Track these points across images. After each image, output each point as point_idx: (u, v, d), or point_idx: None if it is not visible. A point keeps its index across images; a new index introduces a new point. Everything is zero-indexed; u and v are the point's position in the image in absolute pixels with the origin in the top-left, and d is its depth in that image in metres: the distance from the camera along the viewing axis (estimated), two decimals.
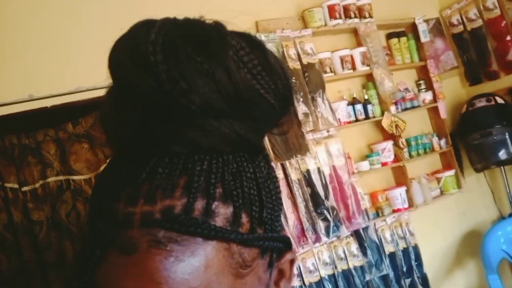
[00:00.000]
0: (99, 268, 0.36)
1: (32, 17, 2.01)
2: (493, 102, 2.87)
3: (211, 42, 0.38)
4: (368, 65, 2.74)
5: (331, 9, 2.65)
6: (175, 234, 0.35)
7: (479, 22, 3.01)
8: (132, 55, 0.37)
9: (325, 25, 2.64)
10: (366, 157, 2.68)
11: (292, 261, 0.44)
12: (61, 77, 2.02)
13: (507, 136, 2.81)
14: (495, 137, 2.82)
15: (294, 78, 2.41)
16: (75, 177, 2.23)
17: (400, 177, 2.76)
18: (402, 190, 2.68)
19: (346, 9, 2.72)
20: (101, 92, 1.81)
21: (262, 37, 2.36)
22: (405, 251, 2.62)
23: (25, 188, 2.17)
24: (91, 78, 2.05)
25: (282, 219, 0.45)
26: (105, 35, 2.25)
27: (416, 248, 2.67)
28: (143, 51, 0.36)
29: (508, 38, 2.88)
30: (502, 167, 2.97)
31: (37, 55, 2.00)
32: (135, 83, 0.36)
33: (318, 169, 2.39)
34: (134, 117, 0.38)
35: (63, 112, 2.09)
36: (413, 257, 2.64)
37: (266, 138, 2.21)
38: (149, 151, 0.38)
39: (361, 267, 2.41)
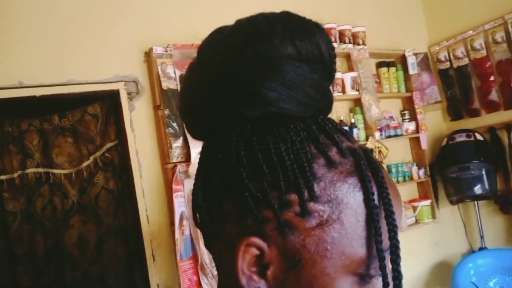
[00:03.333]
0: None
1: (31, 2, 1.99)
2: (472, 138, 2.97)
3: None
4: (357, 90, 2.80)
5: (328, 32, 2.71)
6: None
7: (466, 61, 3.13)
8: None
9: None
10: None
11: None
12: (54, 67, 1.99)
13: (483, 172, 2.90)
14: (472, 172, 2.91)
15: None
16: (55, 171, 2.19)
17: None
18: None
19: (341, 34, 2.79)
20: (92, 87, 1.81)
21: None
22: None
23: (2, 177, 2.11)
24: (84, 72, 2.04)
25: None
26: (102, 32, 2.25)
27: None
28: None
29: (492, 78, 3.00)
30: (476, 201, 3.05)
31: (32, 42, 1.97)
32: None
33: None
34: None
35: (51, 103, 2.06)
36: None
37: None
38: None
39: None
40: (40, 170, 2.18)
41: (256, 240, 0.37)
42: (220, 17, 2.44)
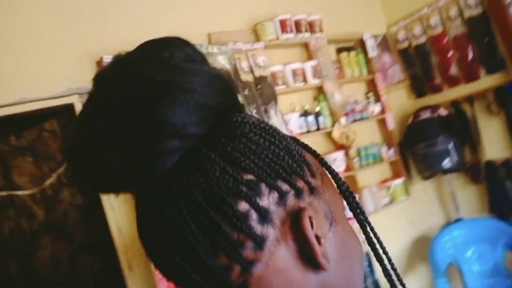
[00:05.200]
0: None
1: None
2: (437, 114, 3.01)
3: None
4: (319, 78, 2.81)
5: (283, 23, 2.71)
6: None
7: (423, 39, 3.17)
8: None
9: (277, 38, 2.69)
10: None
11: None
12: (3, 87, 1.94)
13: (450, 146, 2.96)
14: (440, 147, 2.96)
15: (247, 90, 2.44)
16: (18, 193, 2.14)
17: (352, 186, 2.81)
18: None
19: (297, 23, 2.79)
20: (46, 104, 1.75)
21: (215, 49, 2.37)
22: None
23: None
24: (35, 88, 1.99)
25: None
26: (50, 45, 2.19)
27: (368, 255, 2.73)
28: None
29: (450, 54, 3.05)
30: (447, 175, 3.11)
31: None
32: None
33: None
34: None
35: (5, 124, 2.01)
36: (365, 264, 2.69)
37: None
38: None
39: None
40: (3, 193, 2.13)
41: (309, 211, 0.40)
42: (169, 22, 2.42)
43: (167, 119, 0.36)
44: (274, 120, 2.52)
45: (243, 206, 0.37)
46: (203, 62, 0.42)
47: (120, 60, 0.40)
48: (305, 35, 2.79)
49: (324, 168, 0.47)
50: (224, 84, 0.42)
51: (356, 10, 3.26)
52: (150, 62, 0.39)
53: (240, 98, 2.38)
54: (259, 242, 0.38)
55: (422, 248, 3.12)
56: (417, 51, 3.23)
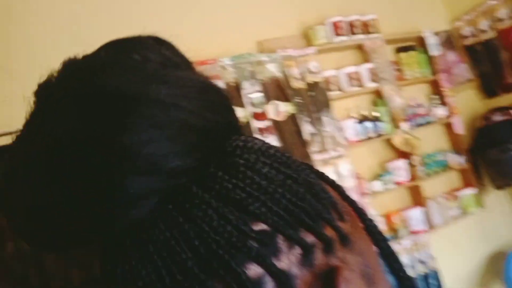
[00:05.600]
0: None
1: None
2: (509, 116, 2.73)
3: None
4: (376, 81, 2.64)
5: (335, 26, 2.58)
6: None
7: (491, 34, 2.90)
8: None
9: (330, 42, 2.56)
10: (378, 176, 2.55)
11: None
12: None
13: None
14: None
15: (298, 97, 2.33)
16: None
17: (416, 197, 2.62)
18: (419, 210, 2.54)
19: (351, 25, 2.65)
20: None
21: (264, 57, 2.29)
22: (425, 276, 2.46)
23: None
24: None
25: None
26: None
27: (436, 273, 2.50)
28: None
29: None
30: None
31: None
32: None
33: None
34: None
35: None
36: (433, 282, 2.47)
37: None
38: None
39: None
40: None
41: (344, 271, 0.29)
42: (218, 31, 2.35)
43: (136, 148, 0.26)
44: (328, 128, 2.38)
45: (254, 270, 0.26)
46: (188, 68, 0.32)
47: (73, 67, 0.29)
48: (359, 37, 2.64)
49: (347, 204, 0.34)
50: (218, 97, 0.31)
51: (414, 7, 3.04)
52: (112, 68, 0.28)
53: (292, 106, 2.27)
54: None
55: (497, 265, 2.82)
56: (485, 47, 2.96)
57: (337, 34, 2.58)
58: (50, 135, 0.27)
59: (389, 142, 2.67)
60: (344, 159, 2.39)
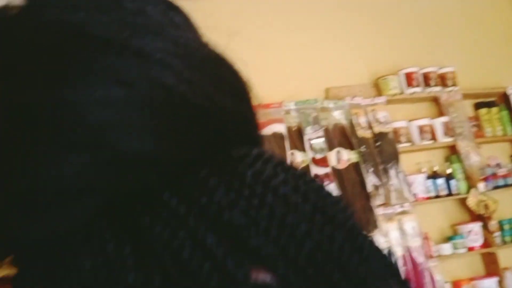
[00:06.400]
0: None
1: None
2: None
3: None
4: (451, 136, 2.50)
5: (409, 77, 2.51)
6: None
7: None
8: None
9: (401, 93, 2.49)
10: (448, 239, 2.36)
11: None
12: None
13: None
14: None
15: (364, 147, 2.26)
16: None
17: (491, 266, 2.37)
18: (493, 281, 2.28)
19: (426, 77, 2.56)
20: None
21: (330, 104, 2.27)
22: None
23: None
24: None
25: None
26: None
27: None
28: None
29: None
30: None
31: None
32: None
33: (389, 249, 2.13)
34: None
35: None
36: None
37: None
38: None
39: None
40: None
41: None
42: (286, 76, 2.38)
43: (80, 109, 0.17)
44: (395, 181, 2.26)
45: None
46: (186, 24, 0.23)
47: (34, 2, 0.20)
48: (434, 89, 2.54)
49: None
50: (232, 76, 0.22)
51: (496, 61, 2.87)
52: (77, 4, 0.19)
53: (356, 155, 2.21)
54: None
55: None
56: None
57: (410, 85, 2.50)
58: None
59: (462, 203, 2.47)
60: (410, 216, 2.24)
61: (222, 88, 0.20)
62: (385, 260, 0.21)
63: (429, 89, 2.54)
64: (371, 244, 0.21)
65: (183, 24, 0.22)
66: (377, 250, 0.21)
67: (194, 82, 0.19)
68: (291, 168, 0.21)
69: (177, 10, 0.23)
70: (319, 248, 0.18)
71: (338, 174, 2.13)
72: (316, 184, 0.21)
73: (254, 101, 0.24)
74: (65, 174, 0.17)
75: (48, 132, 0.17)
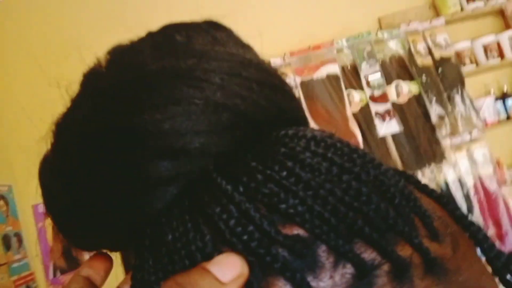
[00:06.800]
0: None
1: None
2: None
3: None
4: None
5: None
6: None
7: None
8: None
9: (462, 10, 2.28)
10: None
11: None
12: None
13: None
14: None
15: (424, 76, 2.12)
16: None
17: None
18: None
19: None
20: None
21: (385, 34, 2.12)
22: None
23: None
24: None
25: None
26: None
27: None
28: None
29: None
30: None
31: None
32: None
33: (459, 179, 2.06)
34: None
35: None
36: None
37: (392, 144, 1.99)
38: None
39: None
40: None
41: None
42: (336, 9, 2.24)
43: (153, 126, 0.23)
44: (461, 108, 2.13)
45: (279, 286, 0.20)
46: (246, 50, 0.27)
47: (115, 51, 0.27)
48: (499, 1, 2.29)
49: (458, 226, 0.25)
50: (269, 78, 0.26)
51: None
52: (148, 49, 0.25)
53: (417, 86, 2.08)
54: None
55: None
56: None
57: (471, 0, 2.28)
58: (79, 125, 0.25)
59: None
60: (480, 143, 2.13)
61: (256, 89, 0.25)
62: (418, 208, 0.23)
63: (492, 1, 2.30)
64: (408, 196, 0.23)
65: (226, 39, 0.27)
66: (410, 200, 0.23)
67: (229, 89, 0.24)
68: (323, 140, 0.24)
69: (231, 34, 0.28)
70: (343, 202, 0.21)
71: (399, 109, 2.03)
72: (348, 150, 0.24)
73: (294, 93, 0.29)
74: (155, 172, 0.23)
75: (139, 145, 0.23)
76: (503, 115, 2.25)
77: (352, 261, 0.20)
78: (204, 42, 0.26)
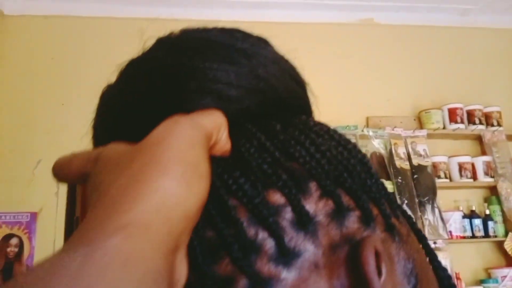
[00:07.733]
0: None
1: None
2: None
3: None
4: (492, 177, 2.44)
5: (452, 112, 2.49)
6: None
7: None
8: None
9: (444, 128, 2.47)
10: (480, 282, 2.28)
11: None
12: None
13: None
14: None
15: (400, 178, 2.24)
16: None
17: None
18: None
19: (470, 114, 2.53)
20: None
21: (370, 132, 2.28)
22: None
23: None
24: None
25: None
26: None
27: None
28: None
29: None
30: None
31: None
32: None
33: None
34: None
35: None
36: None
37: None
38: None
39: None
40: None
41: (378, 245, 0.26)
42: (327, 103, 2.41)
43: (210, 69, 0.29)
44: (430, 216, 2.23)
45: (276, 198, 0.25)
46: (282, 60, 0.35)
47: (187, 29, 0.34)
48: (478, 127, 2.50)
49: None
50: (296, 75, 0.34)
51: None
52: (216, 30, 0.33)
53: (392, 186, 2.19)
54: (286, 253, 0.24)
55: None
56: None
57: (453, 121, 2.48)
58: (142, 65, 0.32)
59: (498, 246, 2.39)
60: (443, 253, 2.19)
61: (286, 76, 0.33)
62: (387, 191, 0.30)
63: (472, 127, 2.50)
64: (379, 180, 0.30)
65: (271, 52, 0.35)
66: (383, 185, 0.30)
67: (273, 73, 0.31)
68: (326, 126, 0.32)
69: (275, 52, 0.35)
70: (337, 159, 0.28)
71: None
72: (340, 136, 0.31)
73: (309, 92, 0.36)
74: (204, 102, 0.29)
75: (189, 81, 0.30)
76: (468, 233, 2.34)
77: (333, 199, 0.26)
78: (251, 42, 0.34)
